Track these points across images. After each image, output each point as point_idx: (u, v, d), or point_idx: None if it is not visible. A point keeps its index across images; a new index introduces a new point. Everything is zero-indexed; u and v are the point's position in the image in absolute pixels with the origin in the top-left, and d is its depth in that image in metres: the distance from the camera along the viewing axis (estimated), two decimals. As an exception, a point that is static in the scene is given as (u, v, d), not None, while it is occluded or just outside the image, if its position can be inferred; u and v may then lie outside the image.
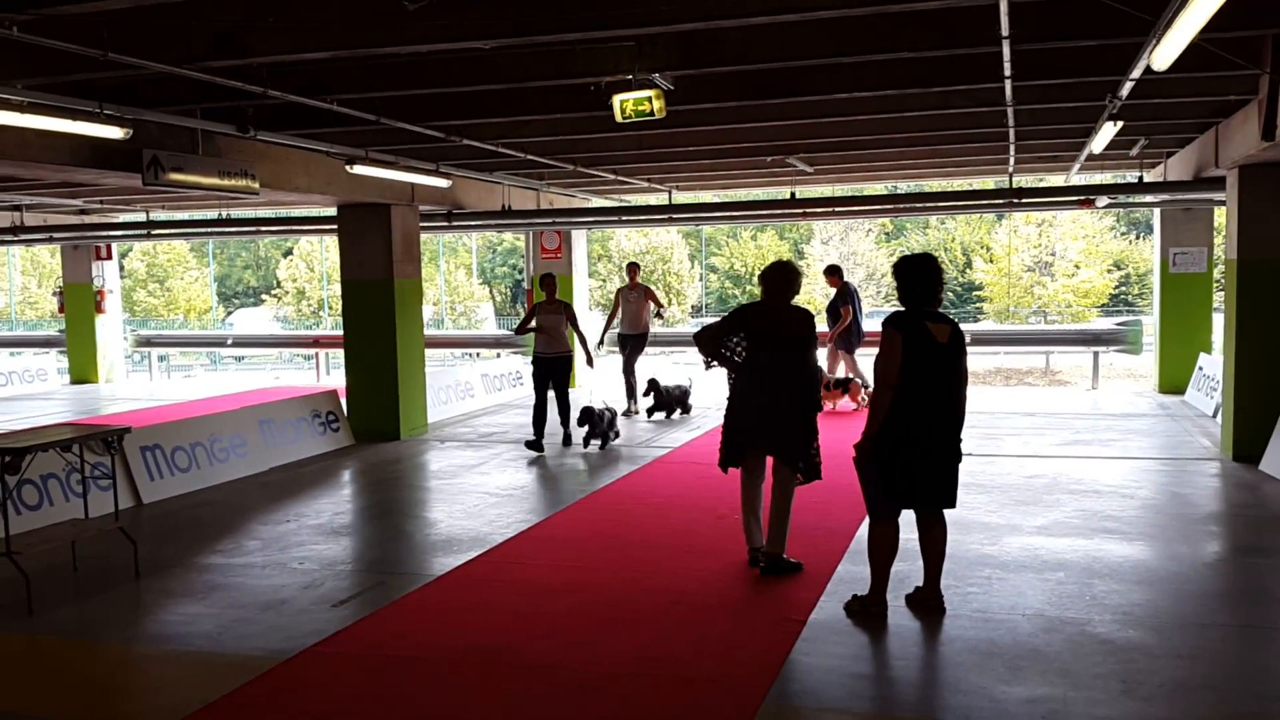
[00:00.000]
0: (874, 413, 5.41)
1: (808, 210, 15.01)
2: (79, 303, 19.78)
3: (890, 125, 9.96)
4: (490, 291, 44.35)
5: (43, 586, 6.41)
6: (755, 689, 4.72)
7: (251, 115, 8.58)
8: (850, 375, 14.04)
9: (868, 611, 5.62)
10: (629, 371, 14.05)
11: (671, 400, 13.41)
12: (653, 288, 15.33)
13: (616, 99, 6.72)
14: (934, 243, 44.95)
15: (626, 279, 14.40)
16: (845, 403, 13.61)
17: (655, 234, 39.38)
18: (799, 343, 6.42)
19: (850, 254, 40.83)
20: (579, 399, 12.81)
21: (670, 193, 15.39)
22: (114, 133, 7.58)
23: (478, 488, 9.40)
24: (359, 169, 10.32)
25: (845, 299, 14.01)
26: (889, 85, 7.85)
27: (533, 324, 11.26)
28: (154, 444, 9.30)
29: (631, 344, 14.06)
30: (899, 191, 17.30)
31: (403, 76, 7.49)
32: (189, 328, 35.27)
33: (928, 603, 5.72)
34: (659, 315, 14.35)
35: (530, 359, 11.67)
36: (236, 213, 17.85)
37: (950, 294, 43.10)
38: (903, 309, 5.54)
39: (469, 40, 5.96)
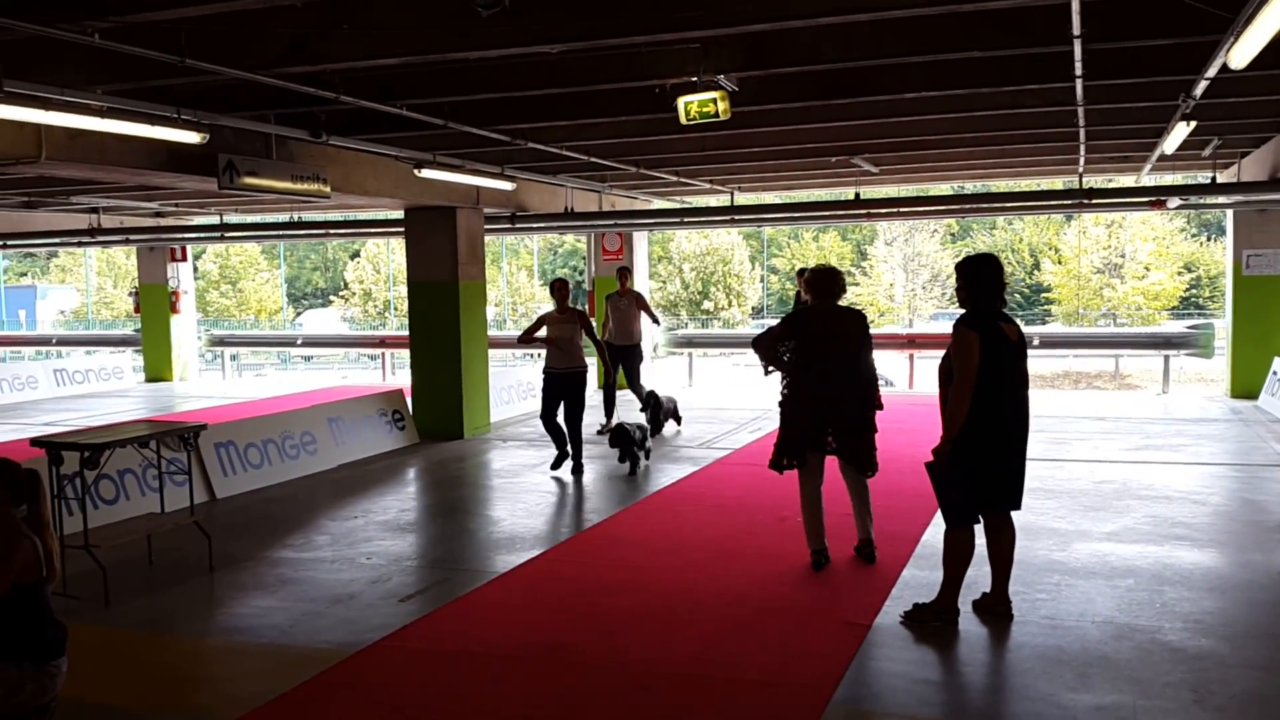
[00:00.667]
0: (954, 417, 5.29)
1: (872, 211, 14.88)
2: (154, 303, 20.30)
3: (958, 125, 9.85)
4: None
5: (119, 579, 6.60)
6: (819, 693, 4.71)
7: (324, 120, 8.74)
8: None
9: (940, 619, 5.54)
10: (632, 384, 12.94)
11: (670, 415, 12.44)
12: (644, 295, 13.92)
13: (681, 101, 6.74)
14: (1001, 244, 44.30)
15: (617, 285, 13.23)
16: None
17: (716, 235, 39.30)
18: (857, 342, 6.49)
19: (915, 255, 40.36)
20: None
21: (732, 194, 15.36)
22: (191, 138, 7.78)
23: (539, 487, 9.48)
24: (426, 173, 10.48)
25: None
26: (958, 85, 7.77)
27: (540, 333, 10.02)
28: (228, 441, 9.53)
29: (624, 356, 12.84)
30: (965, 192, 17.06)
31: (470, 81, 7.58)
32: (260, 328, 35.97)
33: (996, 609, 5.65)
34: (656, 321, 13.63)
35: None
36: (306, 216, 18.19)
37: (1018, 296, 42.47)
38: (968, 310, 5.44)
39: (538, 45, 6.03)
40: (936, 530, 7.44)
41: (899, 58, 6.82)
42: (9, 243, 19.34)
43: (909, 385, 17.78)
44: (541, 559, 7.08)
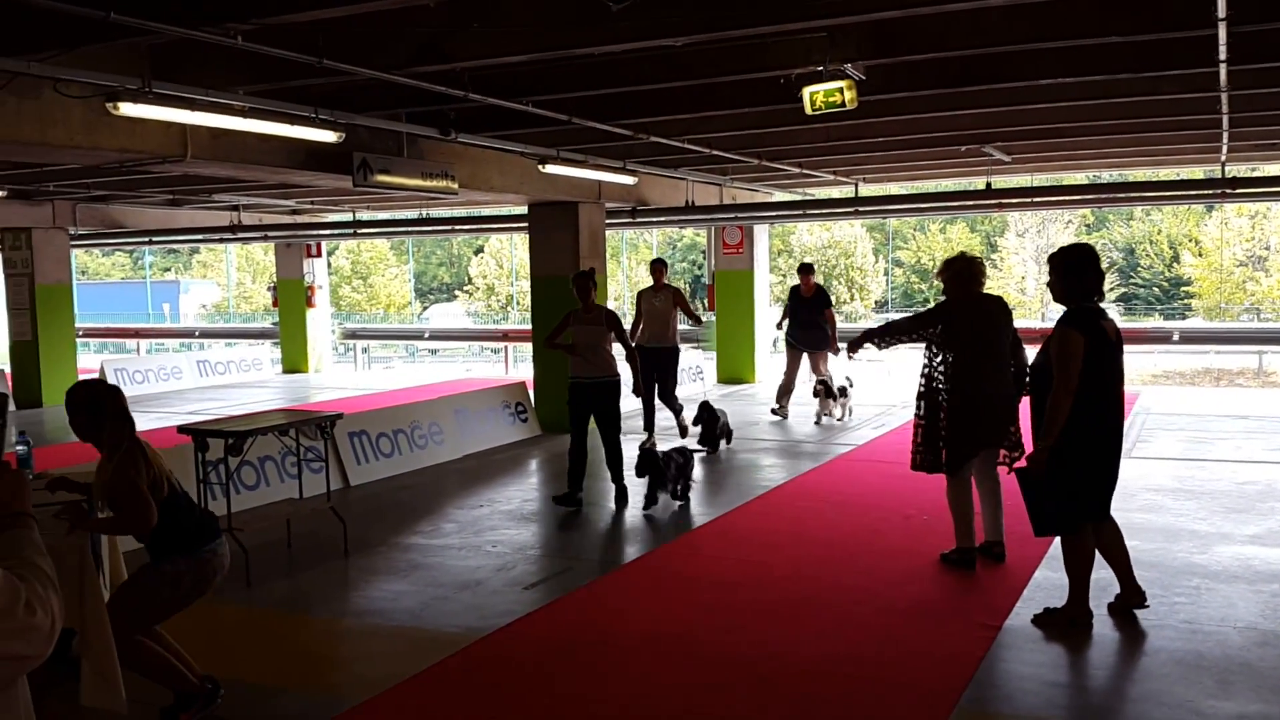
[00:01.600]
0: (1054, 422, 5.01)
1: (1003, 201, 14.47)
2: (291, 297, 21.10)
3: (1094, 112, 9.49)
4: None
5: (260, 561, 6.89)
6: (947, 694, 4.61)
7: (453, 118, 8.94)
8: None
9: (1072, 624, 5.34)
10: (665, 397, 11.35)
11: (725, 431, 10.83)
12: (683, 291, 12.22)
13: (807, 91, 6.66)
14: (1138, 235, 42.52)
15: (651, 278, 11.72)
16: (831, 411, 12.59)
17: (838, 227, 38.76)
18: (1008, 331, 6.38)
19: (1048, 246, 39.00)
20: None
21: (857, 185, 15.12)
22: (328, 136, 8.06)
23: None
24: (550, 168, 10.62)
25: (827, 301, 13.15)
26: (1095, 71, 7.49)
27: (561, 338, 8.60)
28: (360, 430, 9.85)
29: (658, 361, 11.21)
30: (1101, 181, 16.40)
31: (594, 76, 7.65)
32: (388, 322, 37.07)
33: (1131, 603, 5.46)
34: (696, 323, 12.59)
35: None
36: (434, 212, 18.65)
37: (1155, 289, 40.72)
38: (1068, 305, 5.16)
39: (663, 38, 6.04)
40: (1070, 531, 7.22)
41: (1032, 43, 6.60)
42: (155, 239, 20.37)
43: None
44: (661, 551, 7.12)
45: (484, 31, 6.23)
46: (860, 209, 15.40)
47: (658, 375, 11.17)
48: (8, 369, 16.97)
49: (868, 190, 15.49)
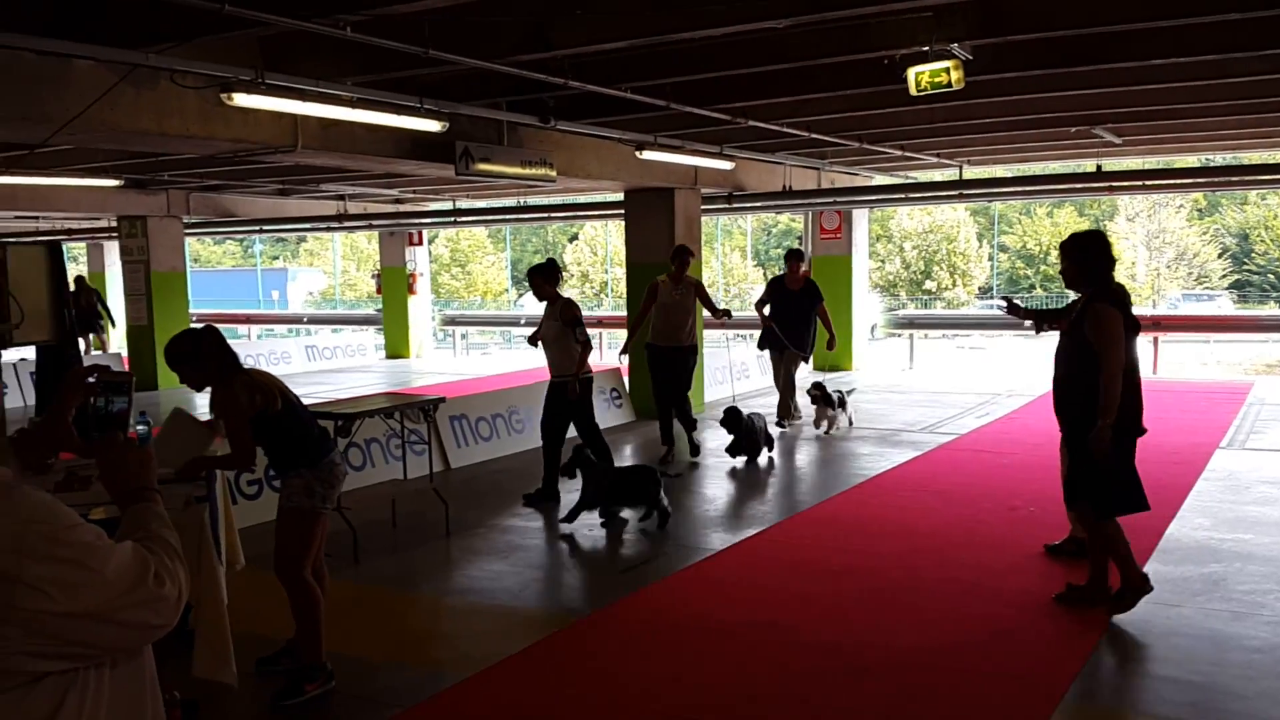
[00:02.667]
0: (1112, 398, 4.93)
1: (1114, 184, 14.02)
2: (394, 285, 21.55)
3: (1208, 93, 9.12)
4: (764, 273, 44.41)
5: (367, 539, 7.07)
6: (1053, 687, 4.51)
7: (552, 105, 9.01)
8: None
9: (1136, 595, 5.26)
10: (678, 404, 9.78)
11: (757, 437, 9.63)
12: (704, 285, 10.42)
13: (912, 72, 6.54)
14: (1252, 220, 40.78)
15: (672, 267, 9.81)
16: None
17: (940, 212, 37.98)
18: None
19: (1159, 231, 37.74)
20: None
21: (961, 168, 14.79)
22: (433, 126, 8.20)
23: (752, 467, 9.47)
24: (647, 154, 10.63)
25: (818, 294, 11.18)
26: (1209, 50, 7.18)
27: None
28: (461, 414, 10.03)
29: (667, 363, 9.68)
30: (1215, 164, 15.75)
31: (692, 61, 7.63)
32: (485, 308, 37.62)
33: (1099, 599, 5.38)
34: (725, 316, 10.28)
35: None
36: (531, 200, 18.84)
37: (1271, 276, 39.00)
38: (1095, 288, 5.09)
39: (764, 21, 5.99)
40: (1181, 524, 6.98)
41: (1145, 22, 6.37)
42: (264, 228, 21.00)
43: (1153, 370, 16.66)
44: (758, 539, 7.09)
45: (586, 18, 6.27)
46: (964, 192, 15.06)
47: (669, 378, 9.67)
48: (125, 353, 17.71)
49: (972, 173, 15.14)
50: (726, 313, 10.18)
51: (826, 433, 10.94)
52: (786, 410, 11.39)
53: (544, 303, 7.98)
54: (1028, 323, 6.43)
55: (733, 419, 9.56)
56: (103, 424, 1.97)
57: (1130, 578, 5.29)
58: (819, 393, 10.90)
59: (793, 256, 11.47)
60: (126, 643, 1.65)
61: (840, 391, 11.24)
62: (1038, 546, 6.47)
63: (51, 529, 1.56)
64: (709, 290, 10.34)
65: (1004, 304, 6.54)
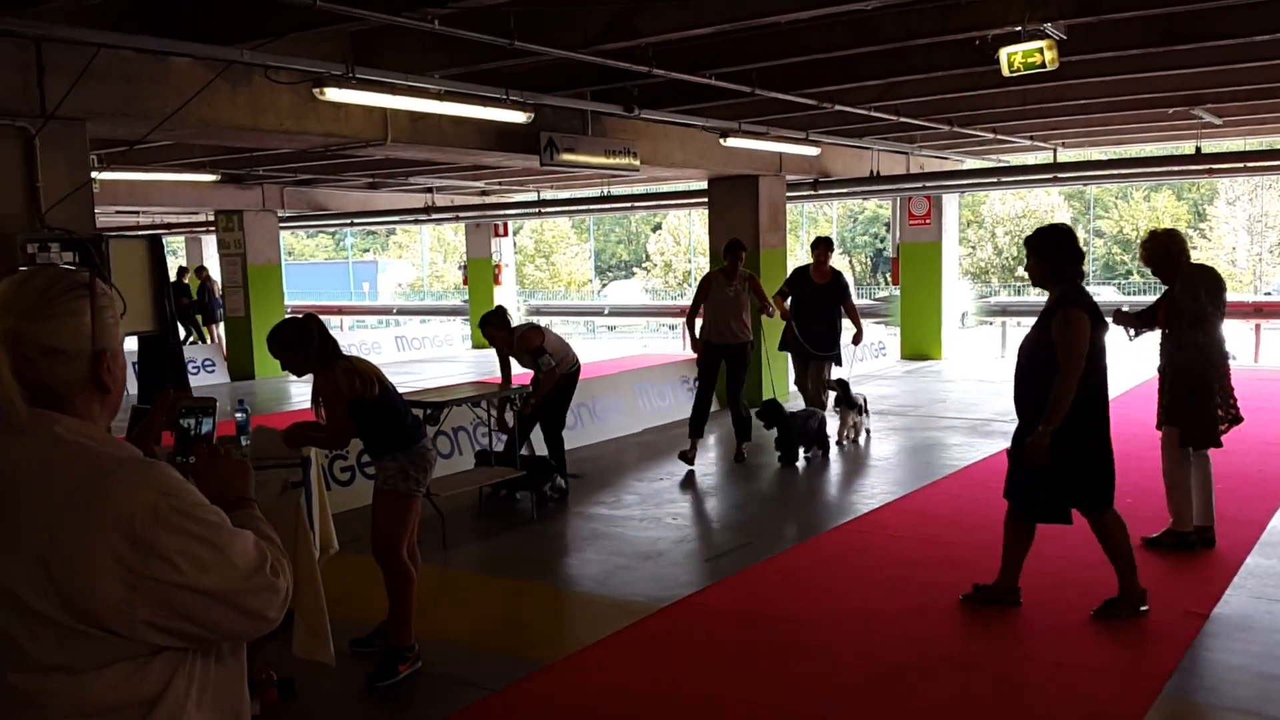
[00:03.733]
0: (1060, 404, 4.75)
1: (1214, 167, 13.51)
2: (480, 276, 21.82)
3: (1317, 68, 8.73)
4: (850, 261, 43.89)
5: (455, 525, 7.18)
6: (1150, 681, 4.38)
7: (636, 94, 9.01)
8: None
9: (999, 599, 5.25)
10: (732, 402, 9.32)
11: (809, 434, 9.13)
12: (758, 280, 9.57)
13: (1004, 52, 6.38)
14: (1367, 202, 38.90)
15: (725, 262, 9.28)
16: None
17: (1033, 196, 37.05)
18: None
19: (1261, 216, 36.27)
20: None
21: (1055, 151, 14.40)
22: (518, 117, 8.27)
23: (835, 457, 9.38)
24: (731, 141, 10.57)
25: (846, 290, 10.03)
26: (1319, 23, 6.88)
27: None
28: (545, 403, 10.11)
29: (722, 359, 9.23)
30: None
31: (779, 45, 7.56)
32: (569, 299, 37.89)
33: (1127, 607, 5.15)
34: (768, 313, 9.56)
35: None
36: (614, 190, 18.89)
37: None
38: (1061, 286, 4.88)
39: (852, 2, 5.90)
40: (1290, 518, 6.72)
41: (1252, -3, 6.12)
42: (355, 221, 21.42)
43: (1254, 359, 16.06)
44: (844, 529, 7.01)
45: (669, 4, 6.24)
46: (1059, 175, 14.65)
47: (722, 375, 9.30)
48: (223, 344, 18.25)
49: (1066, 156, 14.74)
50: (771, 310, 9.39)
51: (853, 441, 9.70)
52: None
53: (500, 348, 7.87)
54: (1130, 331, 6.23)
55: (772, 413, 8.90)
56: (193, 444, 2.04)
57: (999, 584, 5.28)
58: (843, 392, 9.59)
59: (820, 244, 10.14)
60: (241, 630, 1.68)
61: (863, 395, 10.00)
62: (1134, 540, 6.26)
63: (184, 503, 1.60)
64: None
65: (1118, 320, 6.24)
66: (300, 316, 4.71)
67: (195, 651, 1.66)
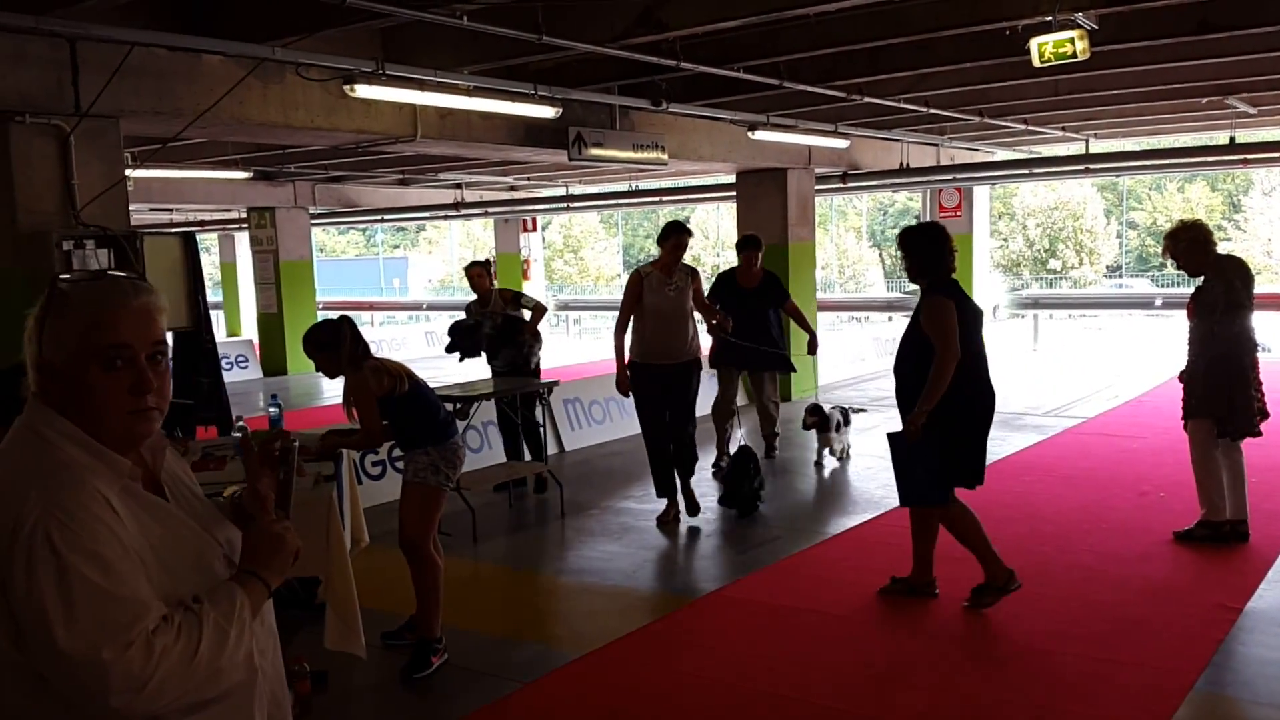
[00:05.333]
0: (936, 388, 4.92)
1: (1249, 157, 13.30)
2: (509, 271, 21.87)
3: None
4: (880, 255, 43.64)
5: (485, 519, 7.22)
6: (1182, 677, 4.34)
7: (664, 88, 9.01)
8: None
9: (912, 591, 5.40)
10: (678, 441, 7.01)
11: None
12: (700, 277, 7.19)
13: (1035, 42, 6.32)
14: None
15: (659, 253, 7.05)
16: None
17: (1065, 187, 36.66)
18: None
19: (1299, 206, 35.69)
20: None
21: (1087, 142, 14.25)
22: (547, 112, 8.29)
23: (869, 450, 9.32)
24: (760, 134, 10.54)
25: (784, 293, 8.86)
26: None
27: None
28: (574, 397, 10.17)
29: (663, 386, 6.91)
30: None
31: (807, 38, 7.53)
32: (598, 293, 37.91)
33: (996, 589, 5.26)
34: (720, 331, 7.74)
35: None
36: (642, 184, 18.88)
37: None
38: (931, 278, 5.09)
39: (880, -7, 5.87)
40: (1330, 512, 6.64)
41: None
42: (386, 217, 21.53)
43: (1291, 351, 15.83)
44: (875, 523, 6.99)
45: (697, -1, 6.24)
46: (1091, 167, 14.50)
47: (664, 406, 6.90)
48: (256, 340, 18.42)
49: (1099, 147, 14.58)
50: (722, 323, 7.40)
51: (840, 459, 8.83)
52: (723, 431, 8.78)
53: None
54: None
55: (738, 465, 7.39)
56: (280, 501, 1.97)
57: (914, 576, 5.41)
58: (816, 418, 8.66)
59: (748, 245, 8.71)
60: (65, 687, 1.58)
61: (844, 409, 9.00)
62: (1167, 534, 6.22)
63: (67, 538, 1.56)
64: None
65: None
66: (335, 318, 4.76)
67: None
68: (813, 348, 8.69)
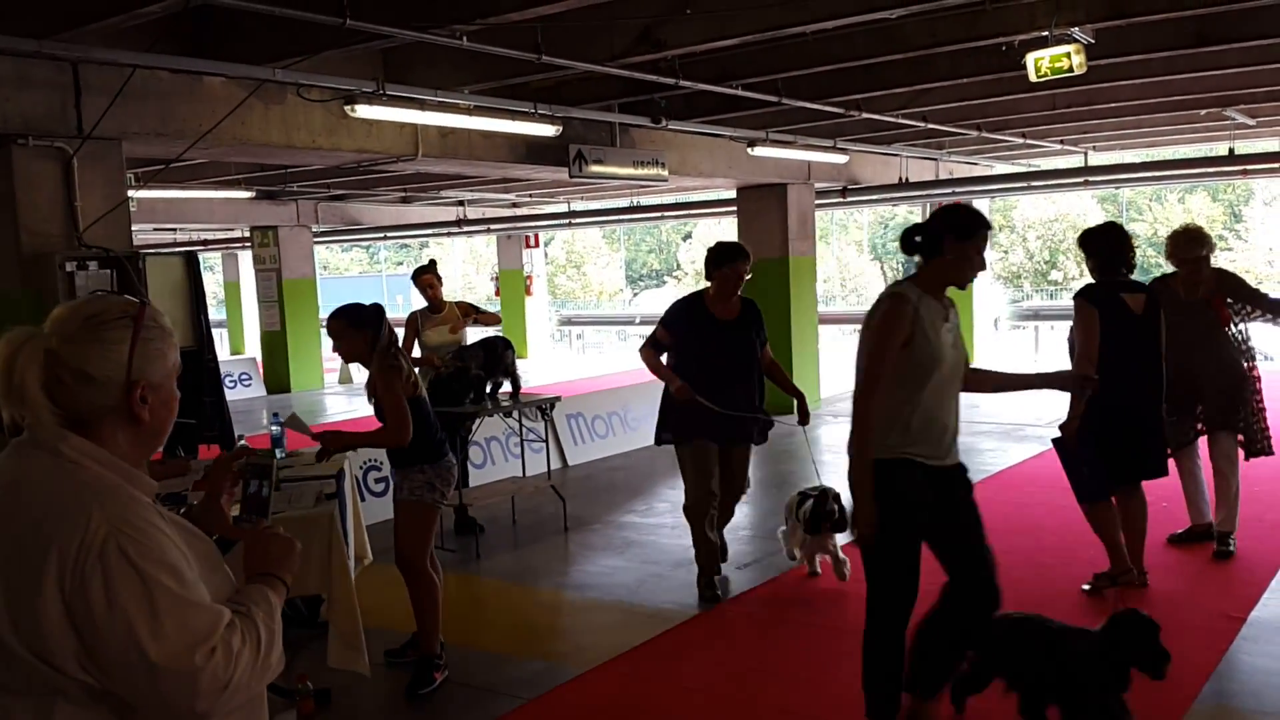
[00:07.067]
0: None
1: (1248, 168, 13.35)
2: (511, 287, 21.94)
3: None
4: (881, 268, 43.68)
5: (488, 534, 7.24)
6: (1187, 686, 4.34)
7: (663, 106, 9.06)
8: None
9: (1115, 582, 5.51)
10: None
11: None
12: (482, 308, 7.90)
13: (1031, 57, 6.37)
14: None
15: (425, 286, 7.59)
16: None
17: (1064, 200, 36.73)
18: None
19: (1301, 216, 35.72)
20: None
21: (1086, 154, 14.30)
22: (547, 130, 8.34)
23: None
24: (759, 150, 10.59)
25: (761, 330, 5.95)
26: (1353, 20, 6.82)
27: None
28: (577, 412, 10.18)
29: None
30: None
31: (804, 55, 7.58)
32: (601, 308, 37.97)
33: (1122, 580, 5.51)
34: (502, 379, 7.25)
35: None
36: (644, 200, 18.95)
37: None
38: (1091, 282, 5.44)
39: (877, 10, 5.92)
40: (1332, 522, 6.64)
41: (1280, -5, 6.08)
42: (389, 235, 21.59)
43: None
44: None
45: (695, 18, 6.29)
46: (1090, 179, 14.53)
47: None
48: (259, 358, 18.45)
49: (1098, 159, 14.63)
50: (496, 319, 7.66)
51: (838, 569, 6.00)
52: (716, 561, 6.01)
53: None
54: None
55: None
56: (250, 509, 2.04)
57: (1114, 563, 5.50)
58: (833, 507, 5.83)
59: (726, 257, 5.75)
60: (146, 703, 1.60)
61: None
62: (1169, 544, 6.24)
63: (137, 550, 1.57)
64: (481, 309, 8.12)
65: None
66: (362, 306, 4.63)
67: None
68: (804, 417, 5.99)
